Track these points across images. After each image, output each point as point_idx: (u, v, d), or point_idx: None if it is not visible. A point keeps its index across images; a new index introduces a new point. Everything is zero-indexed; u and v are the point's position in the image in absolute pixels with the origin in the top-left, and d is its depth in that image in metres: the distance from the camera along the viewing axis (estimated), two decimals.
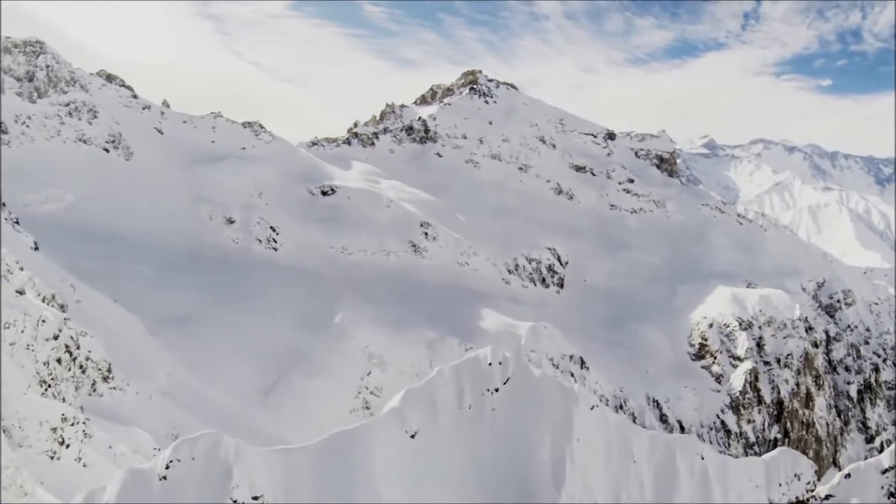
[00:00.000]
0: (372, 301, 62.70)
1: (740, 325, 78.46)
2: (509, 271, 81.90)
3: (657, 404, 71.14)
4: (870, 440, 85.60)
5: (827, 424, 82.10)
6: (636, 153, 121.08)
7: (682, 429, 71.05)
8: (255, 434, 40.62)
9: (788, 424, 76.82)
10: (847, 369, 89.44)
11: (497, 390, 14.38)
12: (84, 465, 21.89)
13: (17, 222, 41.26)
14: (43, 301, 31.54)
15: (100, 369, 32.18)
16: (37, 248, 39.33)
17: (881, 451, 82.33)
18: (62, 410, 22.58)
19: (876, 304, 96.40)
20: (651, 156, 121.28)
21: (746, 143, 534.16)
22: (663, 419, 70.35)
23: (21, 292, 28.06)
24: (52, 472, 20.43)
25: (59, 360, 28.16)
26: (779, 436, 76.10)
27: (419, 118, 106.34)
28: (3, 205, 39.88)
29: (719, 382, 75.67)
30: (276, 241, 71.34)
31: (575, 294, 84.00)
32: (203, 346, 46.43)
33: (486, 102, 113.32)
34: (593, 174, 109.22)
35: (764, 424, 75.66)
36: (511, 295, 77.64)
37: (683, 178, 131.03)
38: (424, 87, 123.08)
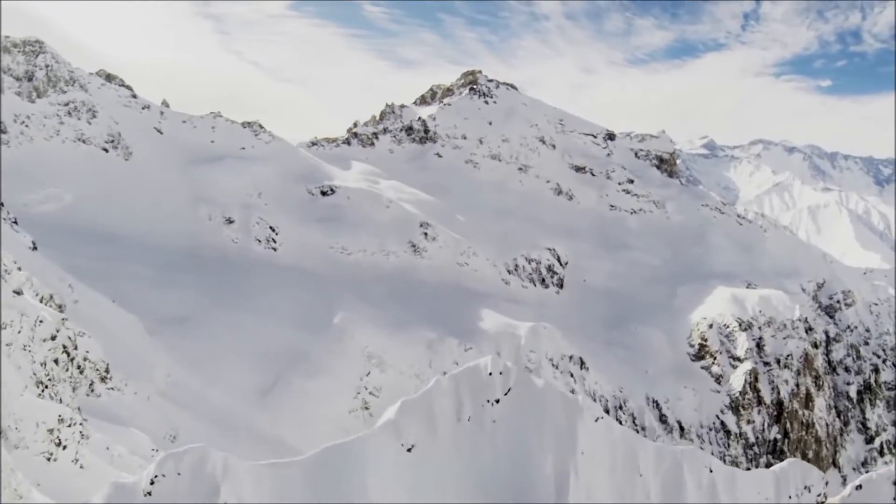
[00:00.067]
0: (371, 301, 62.59)
1: (740, 325, 78.39)
2: (509, 272, 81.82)
3: (657, 405, 71.08)
4: (869, 441, 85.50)
5: (827, 425, 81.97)
6: (636, 154, 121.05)
7: (682, 429, 70.98)
8: (254, 434, 40.55)
9: (788, 425, 76.73)
10: (847, 370, 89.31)
11: (498, 401, 13.90)
12: (81, 467, 21.73)
13: (16, 222, 41.14)
14: (41, 301, 31.39)
15: (98, 370, 32.03)
16: (35, 248, 39.22)
17: (881, 451, 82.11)
18: (59, 411, 22.41)
19: (876, 304, 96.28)
20: (651, 156, 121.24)
21: (746, 144, 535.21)
22: (663, 419, 70.31)
23: (19, 292, 27.93)
24: (48, 473, 20.27)
25: (56, 361, 27.99)
26: (778, 436, 76.02)
27: (419, 118, 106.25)
28: (2, 204, 39.76)
29: (719, 383, 75.60)
30: (275, 242, 71.25)
31: (575, 294, 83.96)
32: (202, 346, 46.34)
33: (486, 103, 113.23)
34: (593, 174, 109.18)
35: (764, 425, 75.58)
36: (511, 295, 77.56)
37: (683, 178, 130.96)
38: (424, 87, 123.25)
